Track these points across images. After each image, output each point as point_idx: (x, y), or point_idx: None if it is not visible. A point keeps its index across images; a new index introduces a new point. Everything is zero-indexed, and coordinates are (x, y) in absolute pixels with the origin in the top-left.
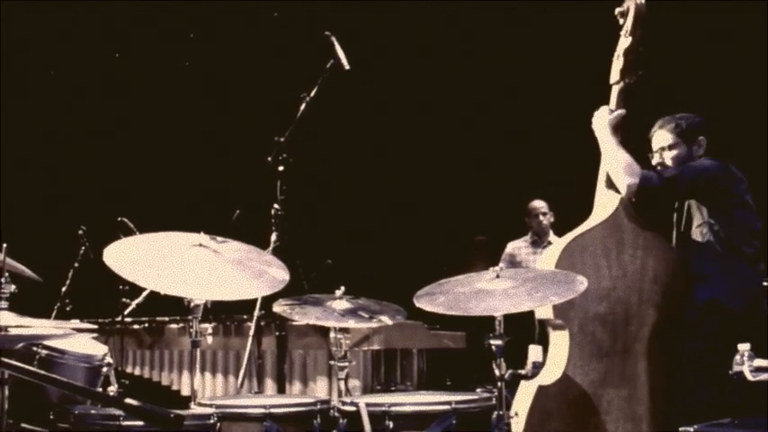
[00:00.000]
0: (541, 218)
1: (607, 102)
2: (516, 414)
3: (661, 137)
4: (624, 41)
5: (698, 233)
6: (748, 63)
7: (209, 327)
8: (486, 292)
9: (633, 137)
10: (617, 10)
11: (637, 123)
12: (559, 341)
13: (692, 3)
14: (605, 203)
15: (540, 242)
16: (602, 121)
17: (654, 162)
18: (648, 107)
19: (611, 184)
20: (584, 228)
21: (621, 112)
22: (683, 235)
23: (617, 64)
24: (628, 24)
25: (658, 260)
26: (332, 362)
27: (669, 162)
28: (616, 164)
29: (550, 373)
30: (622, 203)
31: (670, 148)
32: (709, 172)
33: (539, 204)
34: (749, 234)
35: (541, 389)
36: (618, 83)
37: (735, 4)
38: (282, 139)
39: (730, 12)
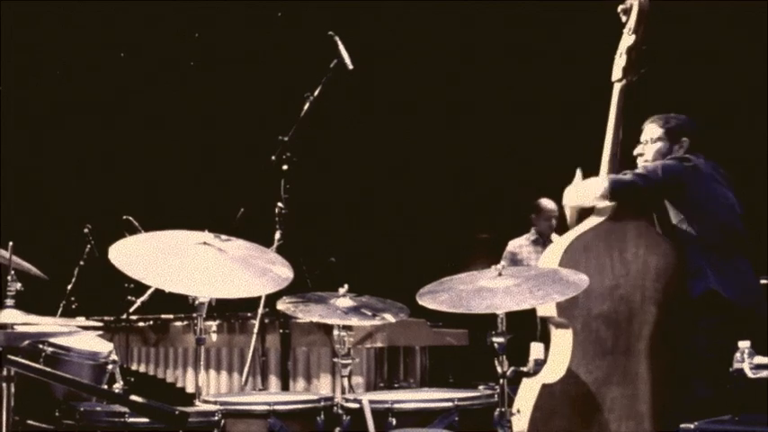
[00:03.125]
0: (552, 221)
1: (609, 99)
2: (518, 411)
3: (650, 129)
4: (627, 39)
5: (679, 230)
6: (751, 62)
7: (213, 324)
8: (489, 290)
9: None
10: (620, 7)
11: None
12: (562, 339)
13: (695, 1)
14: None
15: (541, 240)
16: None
17: (635, 152)
18: (649, 106)
19: None
20: (586, 226)
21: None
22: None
23: (619, 62)
24: (631, 22)
25: (660, 258)
26: (335, 359)
27: (648, 154)
28: (584, 192)
29: (554, 371)
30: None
31: (654, 140)
32: (669, 167)
33: (552, 207)
34: (720, 229)
35: (545, 387)
36: (620, 80)
37: (739, 3)
38: (286, 139)
39: (733, 9)
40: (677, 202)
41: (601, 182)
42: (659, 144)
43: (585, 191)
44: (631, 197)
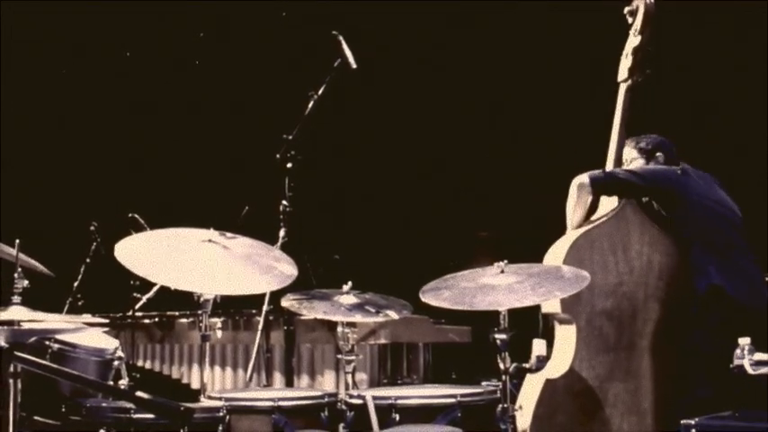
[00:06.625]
0: None
1: (614, 99)
2: (521, 407)
3: (626, 152)
4: (633, 40)
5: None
6: (751, 63)
7: (218, 321)
8: (491, 287)
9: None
10: (626, 9)
11: (644, 122)
12: (566, 335)
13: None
14: (611, 199)
15: None
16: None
17: None
18: (657, 105)
19: None
20: (592, 224)
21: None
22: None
23: (625, 62)
24: (637, 23)
25: (663, 256)
26: (339, 356)
27: None
28: (570, 207)
29: (557, 367)
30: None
31: (631, 161)
32: (658, 171)
33: None
34: (717, 230)
35: (549, 382)
36: (626, 81)
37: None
38: (291, 137)
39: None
40: (669, 207)
41: (582, 176)
42: (635, 163)
43: (571, 198)
44: (616, 191)
